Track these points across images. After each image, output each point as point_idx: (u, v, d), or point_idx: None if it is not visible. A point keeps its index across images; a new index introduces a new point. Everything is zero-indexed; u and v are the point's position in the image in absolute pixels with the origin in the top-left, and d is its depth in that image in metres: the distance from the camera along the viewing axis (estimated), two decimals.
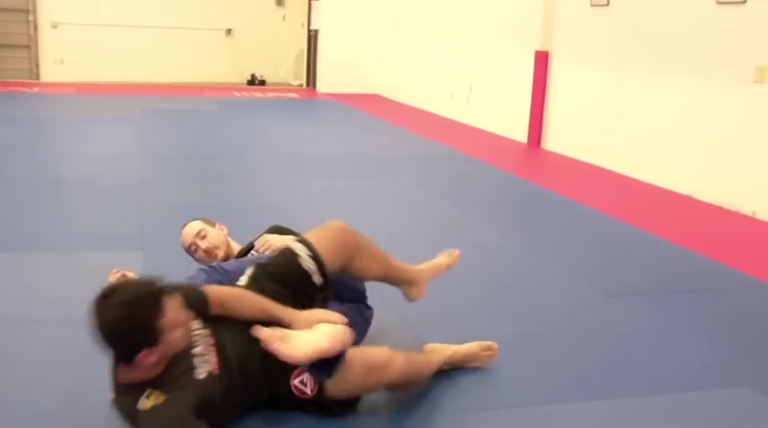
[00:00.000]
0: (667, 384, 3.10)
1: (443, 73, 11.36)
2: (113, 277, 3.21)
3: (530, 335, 3.52)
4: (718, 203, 6.27)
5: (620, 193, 6.82)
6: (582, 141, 8.14)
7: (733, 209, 6.12)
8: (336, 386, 2.56)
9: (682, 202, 6.46)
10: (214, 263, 3.19)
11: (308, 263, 2.75)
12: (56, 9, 14.33)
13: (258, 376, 2.54)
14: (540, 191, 6.73)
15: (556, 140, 8.69)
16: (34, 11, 14.19)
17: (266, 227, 3.54)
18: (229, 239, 3.59)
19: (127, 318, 2.24)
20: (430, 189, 6.53)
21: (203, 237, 3.49)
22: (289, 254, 2.78)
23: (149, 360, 2.32)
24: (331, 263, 2.78)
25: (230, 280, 2.88)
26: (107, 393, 2.53)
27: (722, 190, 6.27)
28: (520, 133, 9.21)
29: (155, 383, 2.35)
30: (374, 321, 3.26)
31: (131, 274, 3.23)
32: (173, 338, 2.34)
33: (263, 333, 2.38)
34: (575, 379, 3.09)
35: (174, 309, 2.34)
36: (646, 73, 7.25)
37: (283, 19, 15.60)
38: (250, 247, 3.44)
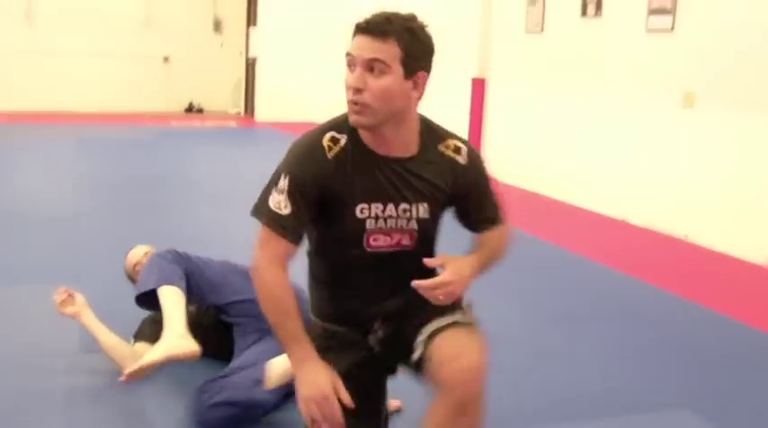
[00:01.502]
0: (609, 407, 3.14)
1: None
2: (59, 296, 3.14)
3: None
4: (651, 227, 6.40)
5: (557, 219, 6.92)
6: (518, 167, 8.24)
7: (666, 232, 6.25)
8: None
9: (616, 227, 6.58)
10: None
11: None
12: None
13: None
14: None
15: (493, 167, 8.76)
16: None
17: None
18: None
19: None
20: None
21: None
22: None
23: None
24: None
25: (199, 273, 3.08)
26: None
27: (655, 214, 6.40)
28: None
29: None
30: None
31: (78, 295, 3.19)
32: None
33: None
34: (517, 406, 3.11)
35: None
36: (579, 99, 7.40)
37: (221, 46, 15.54)
38: None
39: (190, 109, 15.23)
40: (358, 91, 2.00)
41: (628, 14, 6.72)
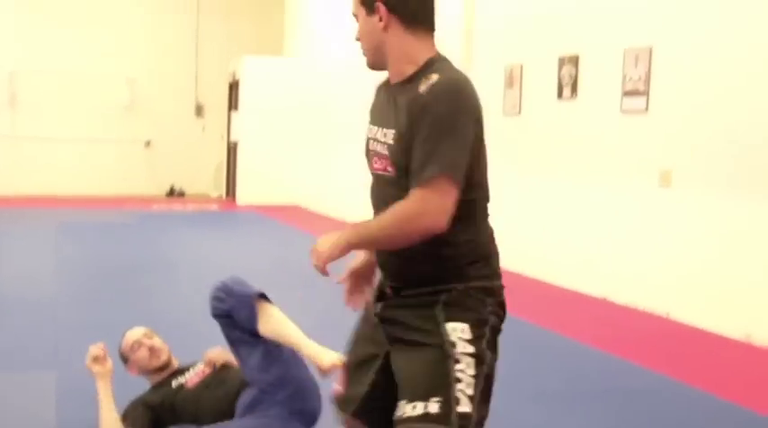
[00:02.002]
0: None
1: (362, 184, 11.48)
2: (96, 350, 3.23)
3: None
4: (633, 305, 6.42)
5: (536, 298, 6.92)
6: (498, 247, 8.26)
7: (648, 310, 6.27)
8: None
9: (597, 305, 6.59)
10: None
11: None
12: None
13: None
14: None
15: None
16: None
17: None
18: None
19: None
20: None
21: (150, 337, 3.41)
22: None
23: None
24: None
25: None
26: None
27: (636, 292, 6.43)
28: None
29: None
30: None
31: (110, 361, 3.24)
32: None
33: None
34: None
35: None
36: (558, 179, 7.50)
37: (203, 130, 15.70)
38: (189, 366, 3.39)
39: (171, 192, 15.28)
40: (358, 40, 2.25)
41: (602, 96, 6.88)
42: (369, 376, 2.25)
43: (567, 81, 7.36)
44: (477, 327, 2.11)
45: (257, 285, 3.16)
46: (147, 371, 3.38)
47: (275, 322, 3.05)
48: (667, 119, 6.22)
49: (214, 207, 14.02)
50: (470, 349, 2.08)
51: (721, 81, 5.76)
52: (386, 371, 2.19)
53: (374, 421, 2.26)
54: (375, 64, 2.23)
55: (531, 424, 3.81)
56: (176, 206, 13.76)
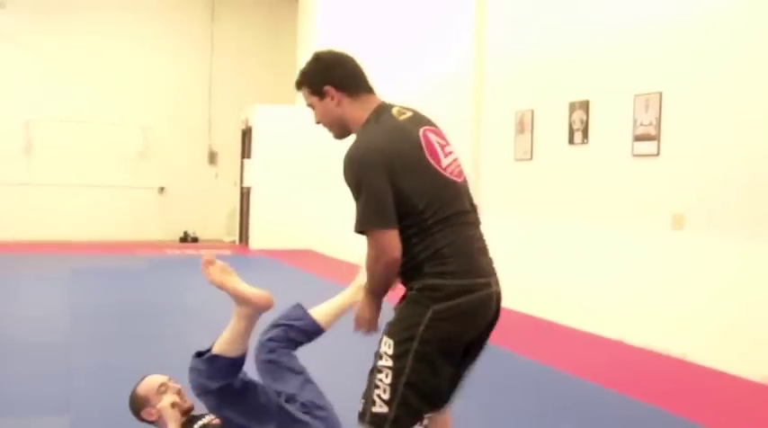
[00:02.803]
0: None
1: None
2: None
3: None
4: (648, 347, 6.38)
5: (551, 340, 6.89)
6: (512, 291, 8.21)
7: (664, 352, 6.22)
8: None
9: (613, 347, 6.55)
10: None
11: None
12: None
13: None
14: None
15: None
16: None
17: None
18: None
19: None
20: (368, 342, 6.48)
21: (175, 382, 3.40)
22: None
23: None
24: None
25: None
26: None
27: (652, 334, 6.39)
28: None
29: None
30: None
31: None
32: None
33: None
34: None
35: None
36: (571, 222, 7.50)
37: (216, 177, 15.82)
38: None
39: (185, 238, 15.34)
40: (318, 123, 2.83)
41: (614, 141, 6.91)
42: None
43: (577, 126, 7.41)
44: (400, 344, 2.56)
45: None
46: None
47: (322, 310, 3.49)
48: (679, 162, 6.23)
49: (227, 252, 14.03)
50: (390, 362, 2.56)
51: (732, 125, 5.79)
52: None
53: None
54: (341, 135, 2.82)
55: None
56: (190, 251, 13.79)
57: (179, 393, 3.36)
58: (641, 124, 6.56)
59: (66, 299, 8.24)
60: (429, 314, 2.52)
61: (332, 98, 2.71)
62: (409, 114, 2.72)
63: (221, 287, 3.03)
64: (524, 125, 8.21)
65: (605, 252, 7.04)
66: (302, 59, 15.86)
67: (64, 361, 5.59)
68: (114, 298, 8.50)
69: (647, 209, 6.52)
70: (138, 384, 3.45)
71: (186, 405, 3.34)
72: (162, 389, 3.34)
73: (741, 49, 5.74)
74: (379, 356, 2.58)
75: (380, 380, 2.55)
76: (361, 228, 2.55)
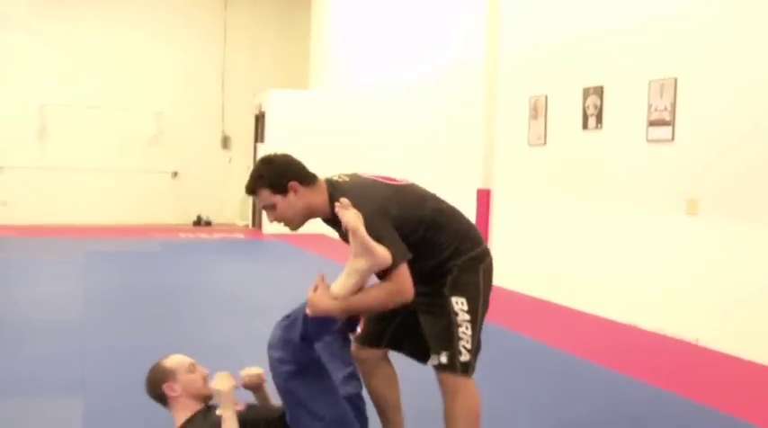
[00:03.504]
0: None
1: None
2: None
3: None
4: (661, 332, 6.37)
5: (565, 325, 6.89)
6: (525, 275, 8.26)
7: (677, 337, 6.22)
8: None
9: (625, 332, 6.55)
10: None
11: None
12: (0, 152, 14.37)
13: None
14: (486, 326, 6.75)
15: (499, 274, 8.79)
16: None
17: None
18: None
19: None
20: None
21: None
22: None
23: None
24: None
25: None
26: None
27: (665, 318, 6.38)
28: None
29: None
30: None
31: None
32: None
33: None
34: None
35: None
36: (584, 208, 7.49)
37: (229, 161, 15.86)
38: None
39: (198, 222, 15.41)
40: (278, 220, 3.04)
41: (628, 127, 6.88)
42: (391, 323, 3.24)
43: (591, 111, 7.38)
44: (472, 300, 3.01)
45: (283, 310, 3.15)
46: (192, 396, 3.22)
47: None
48: (694, 148, 6.20)
49: (240, 235, 14.10)
50: (468, 317, 2.99)
51: (747, 110, 5.75)
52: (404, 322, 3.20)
53: (401, 348, 3.31)
54: (300, 224, 3.07)
55: None
56: (203, 235, 13.85)
57: (204, 379, 3.29)
58: (656, 109, 6.52)
59: (81, 282, 8.30)
60: (480, 272, 3.05)
61: (295, 192, 2.92)
62: (346, 178, 3.09)
63: (355, 231, 2.83)
64: (538, 110, 8.18)
65: (619, 237, 7.03)
66: (315, 44, 15.86)
67: (78, 341, 5.64)
68: (128, 280, 8.55)
69: (662, 194, 6.50)
70: (163, 358, 3.35)
71: (206, 392, 3.27)
72: (192, 368, 3.27)
73: (757, 34, 5.69)
74: (455, 313, 2.96)
75: (464, 333, 2.97)
76: (404, 260, 2.78)
